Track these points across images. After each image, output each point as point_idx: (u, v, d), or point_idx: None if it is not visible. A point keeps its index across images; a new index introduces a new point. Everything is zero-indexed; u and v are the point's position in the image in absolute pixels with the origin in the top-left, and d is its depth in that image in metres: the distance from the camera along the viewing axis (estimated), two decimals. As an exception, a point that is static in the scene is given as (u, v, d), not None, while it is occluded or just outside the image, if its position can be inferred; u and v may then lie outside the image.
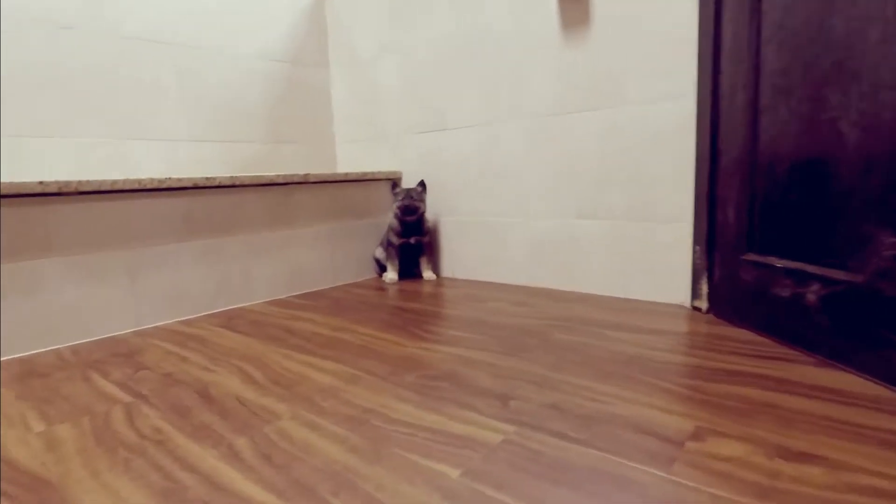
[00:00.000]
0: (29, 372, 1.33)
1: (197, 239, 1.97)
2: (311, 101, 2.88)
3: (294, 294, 2.27)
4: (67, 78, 2.08)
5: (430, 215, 2.56)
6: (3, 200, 1.55)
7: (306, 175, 2.26)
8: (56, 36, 2.04)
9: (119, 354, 1.48)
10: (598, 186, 1.94)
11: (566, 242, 2.06)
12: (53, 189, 1.62)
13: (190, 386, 1.11)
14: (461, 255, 2.44)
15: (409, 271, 2.49)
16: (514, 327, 1.52)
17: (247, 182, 2.07)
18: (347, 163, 2.94)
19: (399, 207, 2.34)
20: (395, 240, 2.41)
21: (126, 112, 2.24)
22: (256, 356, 1.41)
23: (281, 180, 2.18)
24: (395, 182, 2.41)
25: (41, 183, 1.59)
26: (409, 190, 2.39)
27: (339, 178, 2.38)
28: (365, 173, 2.48)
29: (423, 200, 2.42)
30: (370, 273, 2.56)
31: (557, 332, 1.44)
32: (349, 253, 2.49)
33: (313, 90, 2.88)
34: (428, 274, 2.46)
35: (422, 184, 2.45)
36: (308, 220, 2.32)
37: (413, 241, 2.41)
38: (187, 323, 1.84)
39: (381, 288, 2.33)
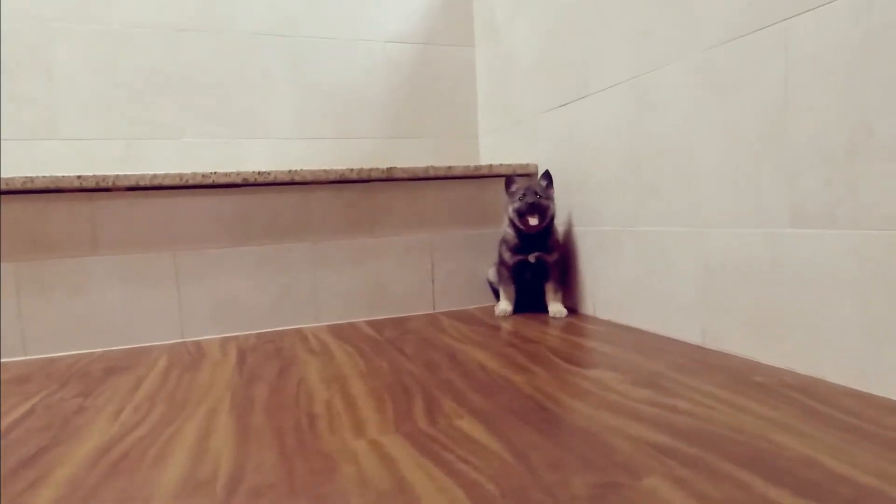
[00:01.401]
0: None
1: (251, 244, 1.68)
2: (448, 86, 2.40)
3: (373, 318, 1.80)
4: (181, 80, 2.05)
5: (561, 223, 1.80)
6: (46, 195, 1.49)
7: (390, 170, 1.77)
8: (171, 39, 2.03)
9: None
10: (835, 163, 0.94)
11: (768, 271, 1.08)
12: (91, 184, 1.50)
13: None
14: (607, 284, 1.61)
15: (530, 302, 1.77)
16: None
17: (309, 178, 1.69)
18: (490, 157, 2.36)
19: (516, 210, 1.66)
20: (509, 257, 1.72)
21: (237, 109, 2.13)
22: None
23: (355, 176, 1.74)
24: (510, 177, 1.74)
25: (79, 177, 1.48)
26: (529, 185, 1.68)
27: (439, 175, 1.83)
28: (478, 167, 1.87)
29: (550, 199, 1.68)
30: (484, 299, 1.91)
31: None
32: (455, 271, 1.90)
33: (450, 74, 2.40)
34: (556, 308, 1.70)
35: (546, 176, 1.71)
36: (396, 227, 1.83)
37: (533, 258, 1.69)
38: (227, 341, 1.54)
39: (486, 323, 1.67)
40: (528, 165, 1.93)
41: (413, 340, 1.48)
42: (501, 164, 1.90)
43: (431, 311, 1.88)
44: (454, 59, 2.41)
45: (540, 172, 1.83)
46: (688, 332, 1.30)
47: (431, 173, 1.82)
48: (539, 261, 1.69)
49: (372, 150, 2.30)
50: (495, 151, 2.28)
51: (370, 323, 1.75)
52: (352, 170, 1.74)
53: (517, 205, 1.66)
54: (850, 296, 0.93)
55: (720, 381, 1.00)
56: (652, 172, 1.38)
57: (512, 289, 1.76)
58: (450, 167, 1.84)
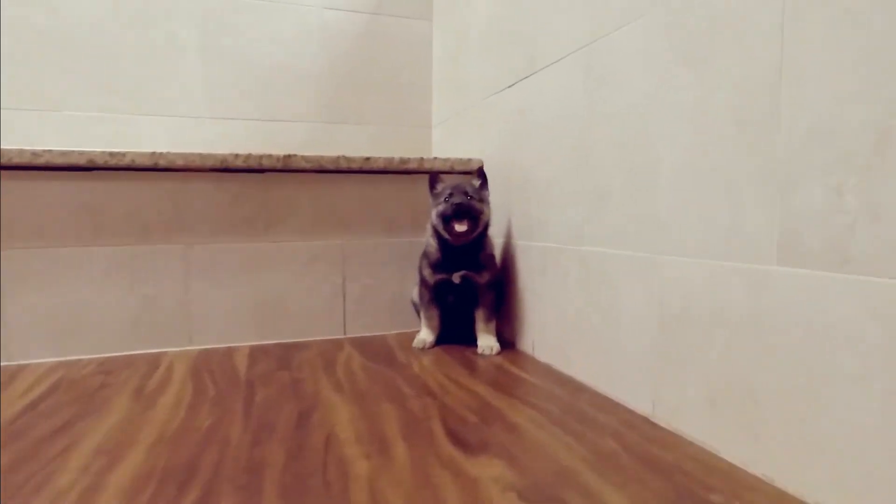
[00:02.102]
0: None
1: (101, 243, 1.33)
2: (399, 64, 2.04)
3: (264, 342, 1.45)
4: (64, 41, 1.71)
5: (499, 234, 1.44)
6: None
7: (288, 159, 1.42)
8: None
9: None
10: (851, 167, 0.57)
11: (746, 327, 0.71)
12: None
13: None
14: (549, 317, 1.24)
15: (461, 330, 1.41)
16: None
17: (179, 164, 1.34)
18: (442, 150, 1.99)
19: (440, 213, 1.30)
20: (429, 274, 1.36)
21: (133, 80, 1.78)
22: None
23: (242, 164, 1.39)
24: (434, 174, 1.37)
25: None
26: (458, 184, 1.32)
27: (354, 168, 1.47)
28: (404, 161, 1.51)
29: (484, 202, 1.32)
30: (409, 322, 1.55)
31: None
32: (373, 288, 1.54)
33: (402, 50, 2.04)
34: (485, 342, 1.34)
35: (481, 174, 1.35)
36: (299, 230, 1.47)
37: (458, 278, 1.32)
38: (54, 368, 1.20)
39: (395, 359, 1.31)
40: (469, 161, 1.56)
41: (280, 382, 1.12)
42: (436, 159, 1.53)
43: (340, 336, 1.52)
44: (408, 33, 2.04)
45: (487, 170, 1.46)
46: (635, 395, 0.93)
47: (343, 165, 1.46)
48: (466, 281, 1.33)
49: (303, 136, 1.94)
50: (446, 143, 1.91)
51: (256, 349, 1.40)
52: (237, 155, 1.38)
53: (441, 207, 1.29)
54: (866, 377, 0.56)
55: (658, 496, 0.64)
56: (603, 172, 1.02)
57: (434, 314, 1.40)
58: (368, 159, 1.47)
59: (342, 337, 1.52)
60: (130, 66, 1.77)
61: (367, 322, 1.54)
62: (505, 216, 1.42)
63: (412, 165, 1.51)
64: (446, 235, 1.30)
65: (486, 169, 1.51)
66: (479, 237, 1.32)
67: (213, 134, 1.85)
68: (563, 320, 1.15)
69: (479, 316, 1.36)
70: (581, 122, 1.07)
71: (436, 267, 1.34)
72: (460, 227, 1.26)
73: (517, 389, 1.06)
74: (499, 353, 1.31)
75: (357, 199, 1.52)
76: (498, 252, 1.44)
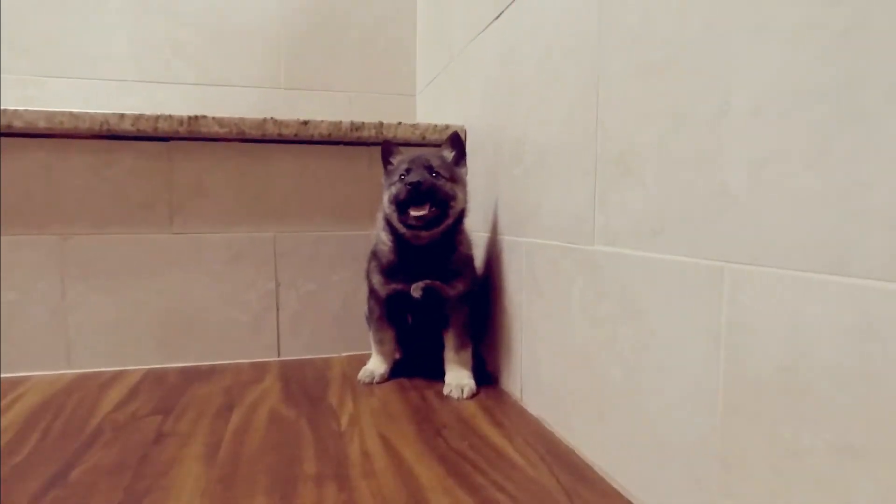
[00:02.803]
0: None
1: (-64, 234, 0.98)
2: (377, 16, 1.65)
3: (169, 364, 1.09)
4: (-46, -20, 1.38)
5: (479, 229, 1.04)
6: None
7: (195, 121, 1.05)
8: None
9: None
10: None
11: (867, 389, 0.30)
12: None
13: None
14: (545, 349, 0.85)
15: (426, 356, 1.02)
16: None
17: (42, 128, 0.98)
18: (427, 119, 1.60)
19: (392, 197, 0.91)
20: (379, 283, 0.97)
21: (40, 35, 1.44)
22: None
23: (129, 127, 1.02)
24: (389, 144, 0.98)
25: None
26: (420, 156, 0.93)
27: (288, 136, 1.09)
28: (356, 126, 1.12)
29: (456, 181, 0.93)
30: (363, 342, 1.16)
31: None
32: (317, 295, 1.17)
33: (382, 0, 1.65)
34: (455, 379, 0.95)
35: (454, 142, 0.96)
36: (215, 219, 1.11)
37: (418, 291, 0.93)
38: None
39: (322, 399, 0.94)
40: (446, 129, 1.17)
41: (135, 439, 0.75)
42: (400, 124, 1.14)
43: (272, 359, 1.15)
44: (389, -18, 1.66)
45: (471, 141, 1.06)
46: (676, 499, 0.53)
47: (272, 132, 1.08)
48: (431, 294, 0.93)
49: (257, 105, 1.58)
50: (432, 113, 1.52)
51: (150, 376, 1.04)
52: (122, 116, 1.02)
53: (394, 188, 0.91)
54: None
55: None
56: (628, 126, 0.61)
57: (387, 336, 1.01)
58: (306, 123, 1.09)
59: (274, 360, 1.14)
60: (39, 20, 1.44)
61: (309, 341, 1.16)
62: (491, 202, 1.02)
63: (368, 133, 1.12)
64: (401, 229, 0.91)
65: (469, 139, 1.12)
66: (448, 232, 0.93)
67: (141, 100, 1.49)
68: (564, 357, 0.75)
69: (449, 341, 0.97)
70: (593, 55, 0.67)
71: (388, 273, 0.95)
72: (418, 214, 0.87)
73: (487, 470, 0.66)
74: (473, 395, 0.92)
75: (295, 178, 1.14)
76: (480, 251, 1.05)
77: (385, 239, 0.95)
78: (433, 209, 0.88)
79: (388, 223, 0.93)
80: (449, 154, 0.95)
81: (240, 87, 1.56)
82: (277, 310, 1.15)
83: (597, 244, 0.67)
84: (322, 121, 1.10)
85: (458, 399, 0.91)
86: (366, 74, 1.64)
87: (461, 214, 0.94)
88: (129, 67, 1.49)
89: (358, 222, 1.16)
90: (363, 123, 1.12)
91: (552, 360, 0.79)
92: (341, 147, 1.16)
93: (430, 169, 0.90)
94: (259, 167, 1.12)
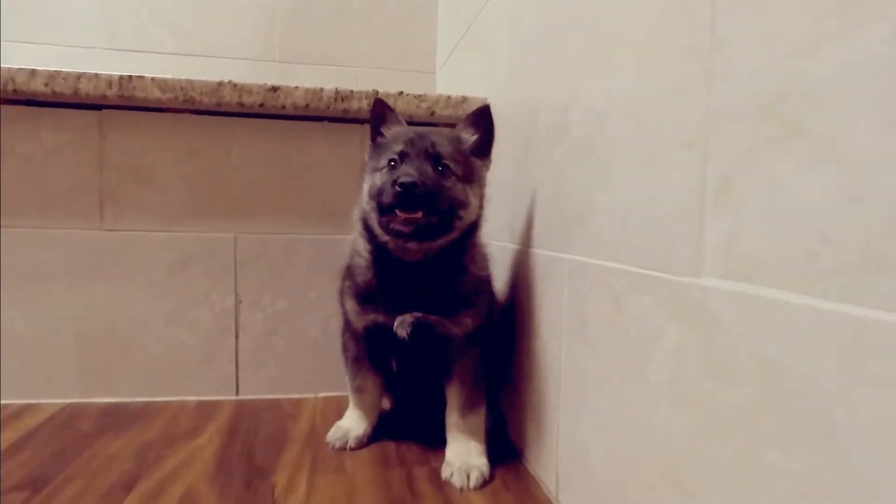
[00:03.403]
0: None
1: None
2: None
3: (99, 399, 0.83)
4: None
5: (497, 236, 0.74)
6: None
7: (128, 84, 0.79)
8: None
9: None
10: None
11: None
12: None
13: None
14: (599, 433, 0.53)
15: (421, 408, 0.73)
16: None
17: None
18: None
19: (375, 192, 0.63)
20: (355, 312, 0.68)
21: (-2, -8, 1.23)
22: None
23: (46, 89, 0.77)
24: (383, 103, 0.68)
25: None
26: (421, 135, 0.63)
27: (253, 108, 0.82)
28: (342, 95, 0.84)
29: (471, 180, 0.63)
30: (343, 382, 0.86)
31: None
32: (287, 317, 0.89)
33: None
34: (460, 456, 0.65)
35: (478, 119, 0.66)
36: (158, 213, 0.85)
37: (405, 327, 0.63)
38: None
39: (267, 481, 0.66)
40: (464, 102, 0.87)
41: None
42: (402, 94, 0.86)
43: (226, 398, 0.88)
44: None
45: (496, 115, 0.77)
46: None
47: (229, 100, 0.81)
48: (423, 332, 0.64)
49: (248, 79, 1.32)
50: (453, 84, 1.23)
51: (65, 415, 0.79)
52: (34, 72, 0.77)
53: (378, 177, 0.62)
54: None
55: None
56: (788, 41, 0.30)
57: (370, 383, 0.73)
58: (274, 88, 0.82)
59: (229, 399, 0.88)
60: (-4, -30, 1.23)
61: (276, 375, 0.89)
62: (520, 201, 0.72)
63: (358, 106, 0.84)
64: (382, 236, 0.62)
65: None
66: (453, 247, 0.63)
67: (113, 69, 1.26)
68: (632, 452, 0.45)
69: (453, 398, 0.67)
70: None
71: (365, 298, 0.66)
72: (407, 216, 0.58)
73: None
74: (484, 483, 0.62)
75: (263, 162, 0.87)
76: (502, 268, 0.75)
77: (362, 249, 0.67)
78: (430, 216, 0.59)
79: (367, 226, 0.65)
80: (468, 137, 0.65)
81: (227, 59, 1.32)
82: (237, 334, 0.88)
83: (708, 275, 0.36)
84: (297, 87, 0.82)
85: (461, 489, 0.61)
86: (376, 46, 1.36)
87: (473, 226, 0.65)
88: (99, 33, 1.27)
89: (344, 222, 0.88)
90: (351, 92, 0.84)
91: (610, 448, 0.49)
92: (324, 124, 0.88)
93: (436, 158, 0.61)
94: (215, 147, 0.86)
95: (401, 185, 0.56)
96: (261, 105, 0.82)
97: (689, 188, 0.38)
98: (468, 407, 0.66)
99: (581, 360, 0.54)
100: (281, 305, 0.89)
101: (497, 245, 0.78)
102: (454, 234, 0.62)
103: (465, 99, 0.87)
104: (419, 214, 0.58)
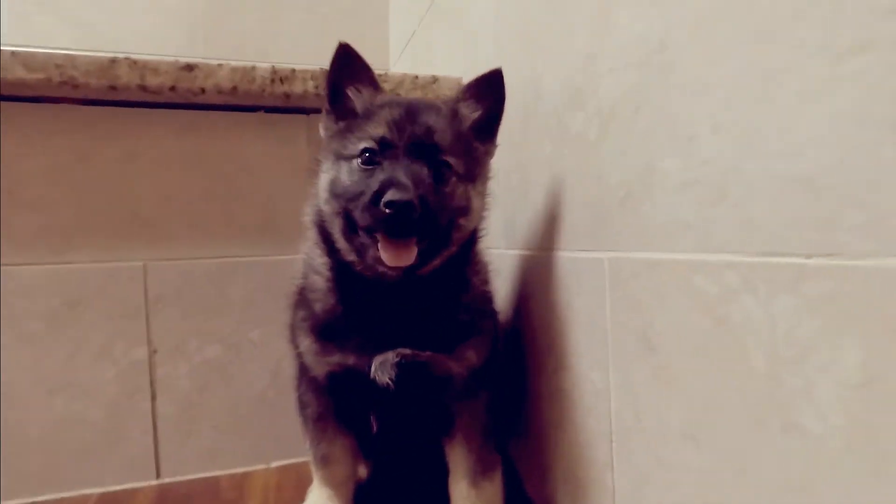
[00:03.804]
0: None
1: None
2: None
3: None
4: None
5: (486, 242, 0.58)
6: None
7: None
8: None
9: None
10: None
11: None
12: None
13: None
14: (718, 498, 0.35)
15: (409, 473, 0.54)
16: None
17: None
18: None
19: (340, 188, 0.45)
20: (313, 353, 0.48)
21: None
22: None
23: None
24: (350, 51, 0.48)
25: None
26: (408, 112, 0.45)
27: (150, 92, 0.62)
28: (280, 76, 0.66)
29: (470, 178, 0.47)
30: (295, 447, 0.65)
31: None
32: (221, 364, 0.68)
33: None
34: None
35: (483, 90, 0.48)
36: (35, 235, 0.63)
37: (387, 372, 0.44)
38: None
39: None
40: (434, 83, 0.71)
41: None
42: (394, 74, 0.69)
43: (148, 483, 0.65)
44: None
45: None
46: None
47: (129, 82, 0.62)
48: (413, 375, 0.45)
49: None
50: (417, 60, 1.07)
51: None
52: None
53: (349, 174, 0.44)
54: None
55: None
56: None
57: (339, 449, 0.53)
58: (190, 67, 0.63)
59: (149, 485, 0.65)
60: None
61: (210, 445, 0.67)
62: (519, 196, 0.56)
63: (303, 89, 0.66)
64: (347, 253, 0.45)
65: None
66: (452, 260, 0.46)
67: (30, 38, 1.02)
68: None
69: (459, 461, 0.49)
70: None
71: (326, 332, 0.47)
72: (390, 265, 0.41)
73: None
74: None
75: (178, 168, 0.67)
76: (501, 283, 0.58)
77: (319, 265, 0.48)
78: (425, 240, 0.42)
79: (325, 233, 0.47)
80: (469, 112, 0.48)
81: (139, 56, 1.10)
82: (153, 395, 0.66)
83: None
84: (220, 64, 0.64)
85: None
86: (319, 39, 1.19)
87: (475, 232, 0.49)
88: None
89: (293, 238, 0.69)
90: (293, 72, 0.66)
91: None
92: (260, 115, 0.70)
93: (432, 152, 0.44)
94: (114, 149, 0.65)
95: (390, 206, 0.39)
96: (172, 89, 0.62)
97: (870, 114, 0.23)
98: (481, 472, 0.48)
99: (649, 398, 0.38)
100: (212, 352, 0.68)
101: (492, 253, 0.61)
102: (452, 249, 0.46)
103: (435, 80, 0.71)
104: (411, 244, 0.41)
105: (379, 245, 0.41)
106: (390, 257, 0.40)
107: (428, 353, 0.45)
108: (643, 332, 0.38)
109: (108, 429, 0.64)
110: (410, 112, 0.45)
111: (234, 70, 0.64)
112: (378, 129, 0.44)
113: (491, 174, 0.50)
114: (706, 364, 0.33)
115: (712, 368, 0.32)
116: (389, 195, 0.39)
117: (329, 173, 0.46)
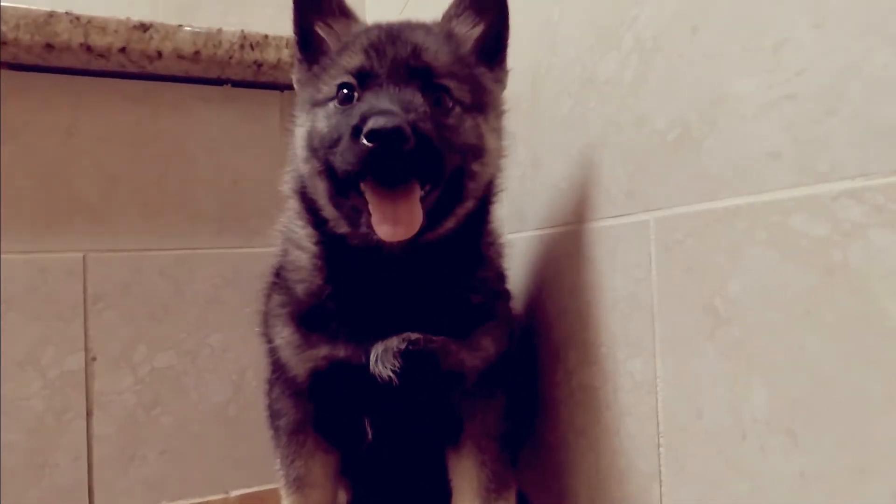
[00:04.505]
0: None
1: None
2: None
3: None
4: None
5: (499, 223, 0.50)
6: None
7: None
8: None
9: None
10: None
11: None
12: None
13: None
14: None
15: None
16: None
17: None
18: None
19: (320, 152, 0.36)
20: (292, 346, 0.39)
21: None
22: None
23: None
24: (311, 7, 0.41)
25: None
26: (390, 36, 0.37)
27: (102, 59, 0.54)
28: (250, 41, 0.58)
29: (479, 107, 0.38)
30: (267, 469, 0.54)
31: None
32: (178, 377, 0.57)
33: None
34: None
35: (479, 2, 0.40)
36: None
37: (389, 363, 0.36)
38: None
39: None
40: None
41: None
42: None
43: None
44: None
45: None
46: None
47: (70, 42, 0.53)
48: (420, 361, 0.37)
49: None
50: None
51: None
52: None
53: (325, 119, 0.37)
54: None
55: None
56: None
57: (317, 469, 0.43)
58: (144, 27, 0.54)
59: (78, 526, 0.53)
60: None
61: (157, 473, 0.56)
62: (531, 168, 0.49)
63: (276, 57, 0.58)
64: (336, 223, 0.37)
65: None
66: (466, 224, 0.38)
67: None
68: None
69: (467, 479, 0.41)
70: None
71: (312, 321, 0.38)
72: (396, 224, 0.32)
73: None
74: None
75: (128, 145, 0.58)
76: (514, 272, 0.51)
77: (302, 238, 0.39)
78: (429, 185, 0.35)
79: (308, 201, 0.38)
80: (466, 31, 0.41)
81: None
82: (89, 412, 0.55)
83: None
84: (179, 26, 0.55)
85: None
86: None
87: (490, 186, 0.41)
88: None
89: (262, 227, 0.60)
90: (265, 38, 0.58)
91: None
92: (227, 90, 0.61)
93: (425, 76, 0.36)
94: (48, 121, 0.56)
95: (372, 135, 0.31)
96: (122, 51, 0.54)
97: None
98: (494, 491, 0.40)
99: (717, 387, 0.31)
100: (163, 360, 0.57)
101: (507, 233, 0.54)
102: (468, 205, 0.38)
103: (425, 53, 0.65)
104: (412, 196, 0.33)
105: (370, 205, 0.33)
106: (386, 221, 0.32)
107: (438, 338, 0.36)
108: (708, 303, 0.31)
109: (31, 453, 0.53)
110: (392, 33, 0.37)
111: (197, 33, 0.56)
112: (354, 58, 0.37)
113: (505, 107, 0.42)
114: (810, 329, 0.25)
115: (821, 334, 0.25)
116: (371, 123, 0.31)
117: (304, 126, 0.38)
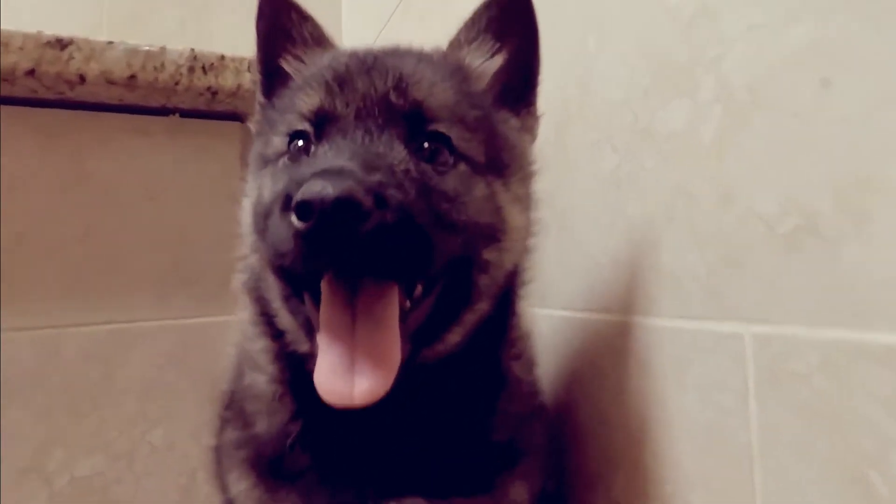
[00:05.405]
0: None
1: None
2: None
3: None
4: None
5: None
6: None
7: None
8: None
9: None
10: None
11: None
12: None
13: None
14: None
15: None
16: None
17: None
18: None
19: (262, 234, 0.26)
20: (252, 500, 0.28)
21: None
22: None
23: None
24: (278, 4, 0.31)
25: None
26: (356, 65, 0.27)
27: (9, 86, 0.42)
28: (197, 58, 0.47)
29: (484, 171, 0.27)
30: None
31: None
32: (110, 485, 0.45)
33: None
34: None
35: (504, 17, 0.29)
36: None
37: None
38: None
39: None
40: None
41: None
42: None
43: None
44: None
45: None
46: None
47: None
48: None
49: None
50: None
51: None
52: None
53: (272, 184, 0.27)
54: None
55: None
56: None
57: None
58: (63, 43, 0.43)
59: None
60: None
61: None
62: (557, 232, 0.39)
63: (235, 83, 0.48)
64: (292, 331, 0.27)
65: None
66: (477, 335, 0.28)
67: None
68: None
69: None
70: None
71: (276, 469, 0.27)
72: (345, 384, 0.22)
73: None
74: None
75: (42, 190, 0.46)
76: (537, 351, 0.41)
77: (259, 356, 0.29)
78: (422, 290, 0.25)
79: (261, 305, 0.28)
80: (483, 62, 0.30)
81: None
82: (-13, 540, 0.42)
83: None
84: (109, 43, 0.44)
85: None
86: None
87: (513, 277, 0.30)
88: None
89: (216, 292, 0.49)
90: (222, 59, 0.47)
91: None
92: (174, 120, 0.50)
93: (411, 117, 0.26)
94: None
95: (302, 208, 0.20)
96: (31, 74, 0.42)
97: None
98: None
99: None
100: (89, 467, 0.45)
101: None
102: (480, 308, 0.27)
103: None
104: (385, 297, 0.23)
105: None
106: (335, 371, 0.22)
107: (457, 500, 0.26)
108: (858, 475, 0.22)
109: None
110: (366, 61, 0.27)
111: (134, 52, 0.44)
112: (312, 97, 0.26)
113: (535, 167, 0.31)
114: None
115: None
116: (301, 191, 0.20)
117: (251, 195, 0.29)
